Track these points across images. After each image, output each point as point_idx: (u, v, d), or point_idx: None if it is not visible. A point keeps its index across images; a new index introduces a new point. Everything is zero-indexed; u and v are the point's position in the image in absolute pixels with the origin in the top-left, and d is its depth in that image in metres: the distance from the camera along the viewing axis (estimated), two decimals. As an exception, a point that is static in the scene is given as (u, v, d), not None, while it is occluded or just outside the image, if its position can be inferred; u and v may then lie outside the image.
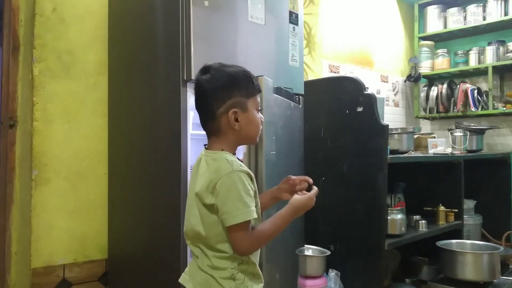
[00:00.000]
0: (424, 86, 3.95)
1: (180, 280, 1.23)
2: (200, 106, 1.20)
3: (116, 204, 2.04)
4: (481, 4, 3.69)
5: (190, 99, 1.59)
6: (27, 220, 1.85)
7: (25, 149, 1.82)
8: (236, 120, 1.16)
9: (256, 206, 1.15)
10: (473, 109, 3.59)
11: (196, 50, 1.56)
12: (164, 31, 1.70)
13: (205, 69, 1.20)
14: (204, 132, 1.23)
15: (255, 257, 1.20)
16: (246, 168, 1.14)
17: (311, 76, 3.03)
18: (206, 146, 1.22)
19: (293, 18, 1.90)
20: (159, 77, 1.72)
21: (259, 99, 1.23)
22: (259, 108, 1.24)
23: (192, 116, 1.69)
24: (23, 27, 1.71)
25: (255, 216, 1.12)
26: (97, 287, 2.06)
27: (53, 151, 1.94)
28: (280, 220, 1.19)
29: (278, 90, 1.75)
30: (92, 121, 2.06)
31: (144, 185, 1.83)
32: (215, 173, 1.11)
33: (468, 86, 3.65)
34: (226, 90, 1.16)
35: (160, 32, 1.72)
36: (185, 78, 1.56)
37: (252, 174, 1.16)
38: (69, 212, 1.99)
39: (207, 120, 1.18)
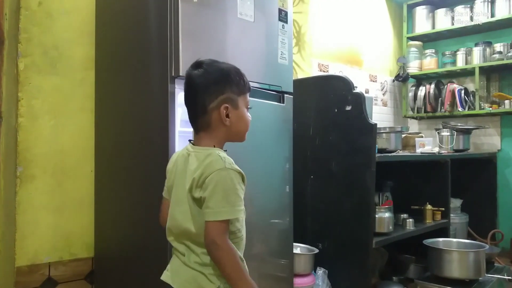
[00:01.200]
0: (412, 86, 3.99)
1: (162, 278, 1.21)
2: (190, 101, 1.19)
3: (102, 201, 2.02)
4: (469, 6, 3.73)
5: (178, 96, 1.58)
6: (11, 217, 1.82)
7: (10, 145, 1.79)
8: (227, 116, 1.16)
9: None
10: (460, 109, 3.63)
11: (184, 46, 1.55)
12: (152, 27, 1.68)
13: (198, 64, 1.19)
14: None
15: (241, 253, 1.19)
16: (237, 167, 1.14)
17: (300, 75, 3.04)
18: (192, 142, 1.21)
19: (283, 16, 1.90)
20: (147, 73, 1.70)
21: (248, 98, 1.24)
22: (249, 106, 1.24)
23: (180, 113, 1.68)
24: (8, 20, 1.67)
25: (240, 215, 1.11)
26: (83, 286, 2.03)
27: (38, 147, 1.91)
28: (242, 274, 1.11)
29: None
30: (78, 117, 2.03)
31: (131, 182, 1.81)
32: (206, 168, 1.11)
33: (455, 86, 3.69)
34: (218, 85, 1.17)
35: (148, 28, 1.71)
36: (173, 75, 1.54)
37: (244, 174, 1.15)
38: (54, 210, 1.96)
39: (198, 115, 1.17)
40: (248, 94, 1.24)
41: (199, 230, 1.12)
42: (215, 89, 1.16)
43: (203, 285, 1.13)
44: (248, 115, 1.23)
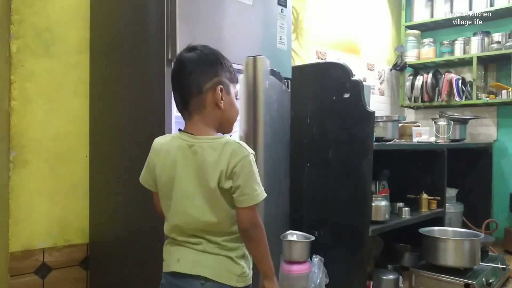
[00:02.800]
0: (410, 75, 3.97)
1: (176, 269, 1.15)
2: (182, 82, 1.13)
3: (97, 187, 2.00)
4: (468, -6, 3.70)
5: (175, 80, 1.55)
6: (5, 202, 1.80)
7: (3, 129, 1.76)
8: (222, 99, 1.14)
9: None
10: (457, 99, 3.62)
11: (181, 29, 1.52)
12: (148, 9, 1.65)
13: (192, 48, 1.17)
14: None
15: None
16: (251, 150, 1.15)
17: (298, 62, 3.01)
18: (184, 131, 1.15)
19: (282, 0, 1.87)
20: (143, 56, 1.67)
21: (237, 89, 1.23)
22: (237, 97, 1.23)
23: (177, 97, 1.65)
24: (0, 1, 1.64)
25: (265, 195, 1.14)
26: (78, 272, 2.02)
27: (32, 132, 1.88)
28: (267, 257, 1.19)
29: (272, 72, 1.71)
30: (73, 102, 2.00)
31: (127, 168, 1.79)
32: (231, 157, 1.09)
33: (453, 76, 3.68)
34: (214, 67, 1.14)
35: (145, 10, 1.67)
36: (169, 58, 1.51)
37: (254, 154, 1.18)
38: (49, 195, 1.94)
39: (191, 96, 1.12)
40: (236, 85, 1.23)
41: (224, 219, 1.13)
42: (210, 70, 1.13)
43: (231, 268, 1.14)
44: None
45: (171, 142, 1.16)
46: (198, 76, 1.12)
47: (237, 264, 1.15)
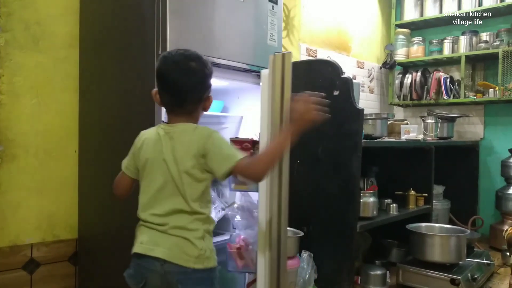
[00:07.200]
0: (399, 74, 4.00)
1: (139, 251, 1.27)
2: (188, 88, 1.22)
3: (86, 183, 1.99)
4: (457, -6, 3.73)
5: (165, 75, 1.55)
6: (-8, 197, 1.79)
7: (-10, 123, 1.74)
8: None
9: None
10: (445, 97, 3.66)
11: (172, 24, 1.52)
12: (139, 4, 1.64)
13: (194, 56, 1.23)
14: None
15: None
16: None
17: (289, 59, 3.01)
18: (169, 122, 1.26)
19: (273, -3, 1.88)
20: (133, 52, 1.66)
21: None
22: None
23: (167, 93, 1.65)
24: (-12, -7, 1.62)
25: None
26: (66, 267, 2.01)
27: (20, 126, 1.86)
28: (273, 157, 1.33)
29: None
30: (62, 96, 1.98)
31: (116, 163, 1.78)
32: (201, 138, 1.20)
33: (441, 74, 3.72)
34: (210, 78, 1.27)
35: (135, 5, 1.66)
36: (160, 53, 1.51)
37: None
38: (37, 190, 1.92)
39: (188, 101, 1.23)
40: None
41: (186, 201, 1.26)
42: (208, 81, 1.27)
43: (187, 250, 1.22)
44: None
45: (152, 131, 1.28)
46: (203, 87, 1.25)
47: (194, 245, 1.17)
